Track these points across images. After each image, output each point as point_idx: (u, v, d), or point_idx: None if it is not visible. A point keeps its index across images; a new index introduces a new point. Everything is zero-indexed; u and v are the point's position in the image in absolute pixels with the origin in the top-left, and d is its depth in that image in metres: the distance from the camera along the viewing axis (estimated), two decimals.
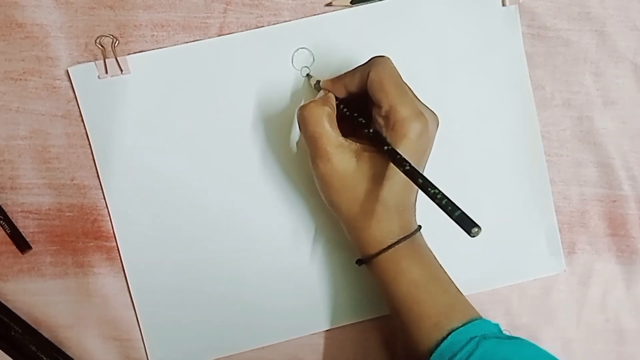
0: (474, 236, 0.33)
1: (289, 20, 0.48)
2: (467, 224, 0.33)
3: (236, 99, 0.48)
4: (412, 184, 0.37)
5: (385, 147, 0.39)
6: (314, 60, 0.48)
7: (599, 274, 0.52)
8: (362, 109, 0.43)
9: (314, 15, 0.48)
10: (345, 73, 0.43)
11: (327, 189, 0.42)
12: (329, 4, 0.48)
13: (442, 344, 0.39)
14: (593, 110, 0.51)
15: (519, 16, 0.50)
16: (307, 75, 0.48)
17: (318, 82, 0.46)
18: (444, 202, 0.35)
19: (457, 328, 0.40)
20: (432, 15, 0.49)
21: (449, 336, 0.40)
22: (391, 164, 0.39)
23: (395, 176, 0.40)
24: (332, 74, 0.45)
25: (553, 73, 0.51)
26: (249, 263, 0.48)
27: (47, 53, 0.46)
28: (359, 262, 0.44)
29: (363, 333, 0.50)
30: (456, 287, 0.43)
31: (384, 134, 0.40)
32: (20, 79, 0.47)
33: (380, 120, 0.41)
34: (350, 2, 0.48)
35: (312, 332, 0.49)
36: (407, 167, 0.37)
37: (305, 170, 0.48)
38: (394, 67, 0.41)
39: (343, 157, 0.40)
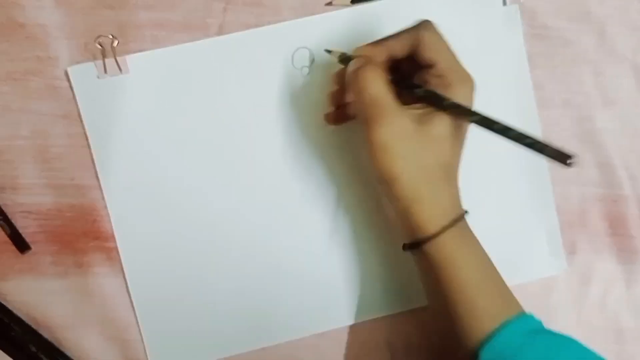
0: (570, 166, 0.32)
1: (289, 20, 0.48)
2: (562, 157, 0.33)
3: (236, 98, 0.48)
4: (462, 147, 0.37)
5: (445, 103, 0.38)
6: (314, 60, 0.48)
7: (599, 273, 0.51)
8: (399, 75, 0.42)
9: (314, 14, 0.48)
10: (387, 37, 0.41)
11: (387, 158, 0.39)
12: (329, 4, 0.48)
13: (495, 337, 0.38)
14: (593, 110, 0.51)
15: (520, 16, 0.50)
16: (327, 50, 0.45)
17: (343, 54, 0.43)
18: (530, 142, 0.34)
19: (510, 321, 0.39)
20: (432, 15, 0.48)
21: (502, 328, 0.39)
22: (450, 125, 0.39)
23: (457, 135, 0.40)
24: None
25: (553, 73, 0.51)
26: (249, 263, 0.48)
27: (48, 53, 0.47)
28: (412, 245, 0.41)
29: (364, 333, 0.50)
30: (502, 277, 0.42)
31: None
32: (22, 79, 0.47)
33: (433, 81, 0.40)
34: (350, 2, 0.48)
35: (312, 333, 0.49)
36: (478, 117, 0.36)
37: (303, 170, 0.48)
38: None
39: (403, 120, 0.39)
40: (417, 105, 0.40)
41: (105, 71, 0.46)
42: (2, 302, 0.46)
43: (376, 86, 0.39)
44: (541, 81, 0.51)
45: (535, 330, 0.40)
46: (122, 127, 0.47)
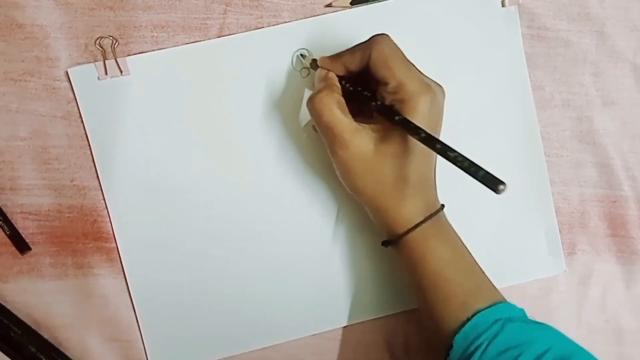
0: (500, 193, 0.32)
1: (289, 21, 0.48)
2: (493, 182, 0.33)
3: (236, 100, 0.48)
4: (430, 157, 0.37)
5: (397, 118, 0.38)
6: (313, 61, 0.48)
7: (599, 274, 0.52)
8: (363, 85, 0.42)
9: (314, 16, 0.48)
10: (344, 51, 0.43)
11: (349, 175, 0.41)
12: (329, 5, 0.48)
13: (467, 324, 0.39)
14: (593, 110, 0.51)
15: (519, 17, 0.50)
16: (301, 55, 0.47)
17: (314, 60, 0.45)
18: (465, 164, 0.34)
19: (483, 309, 0.40)
20: (432, 15, 0.49)
21: (474, 317, 0.40)
22: (408, 140, 0.39)
23: (414, 150, 0.39)
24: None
25: (553, 73, 0.51)
26: (249, 263, 0.48)
27: (47, 54, 0.46)
28: (386, 243, 0.44)
29: (363, 333, 0.50)
30: (481, 269, 0.43)
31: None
32: (20, 80, 0.47)
33: (389, 97, 0.40)
34: (350, 3, 0.48)
35: (311, 333, 0.49)
36: (423, 135, 0.37)
37: (302, 171, 0.48)
38: (395, 44, 0.41)
39: (360, 141, 0.40)
40: (378, 119, 0.41)
41: (106, 72, 0.46)
42: (2, 303, 0.46)
43: (331, 113, 0.40)
44: (541, 82, 0.51)
45: (511, 318, 0.40)
46: (123, 128, 0.47)
